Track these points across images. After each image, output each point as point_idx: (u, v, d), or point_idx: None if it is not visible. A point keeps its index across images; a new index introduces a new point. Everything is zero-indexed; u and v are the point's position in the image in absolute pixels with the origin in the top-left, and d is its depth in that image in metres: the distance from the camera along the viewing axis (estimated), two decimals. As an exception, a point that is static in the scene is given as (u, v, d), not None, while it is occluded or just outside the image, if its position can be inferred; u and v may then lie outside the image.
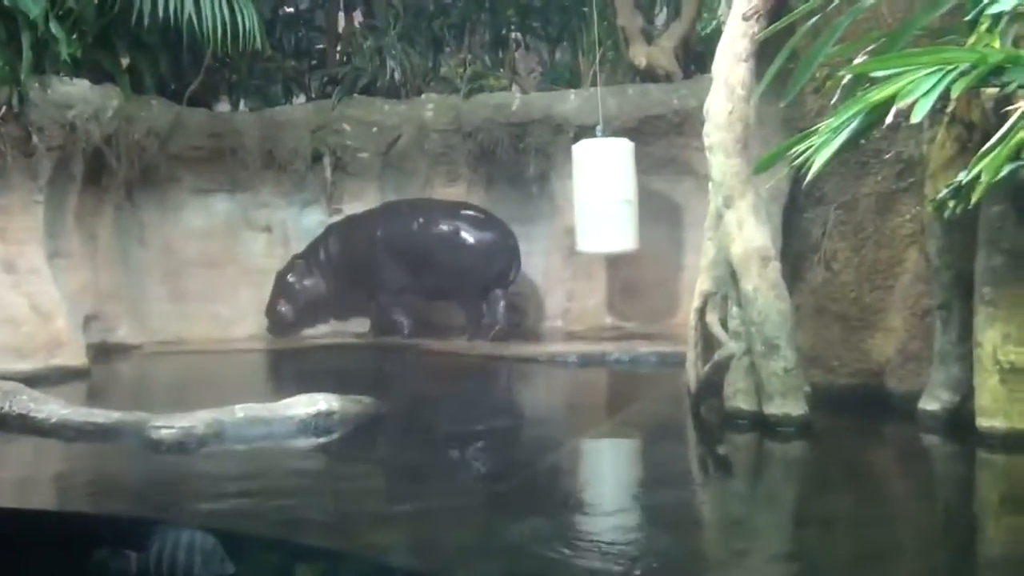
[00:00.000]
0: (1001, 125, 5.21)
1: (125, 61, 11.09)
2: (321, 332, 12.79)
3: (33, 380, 8.72)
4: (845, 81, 5.81)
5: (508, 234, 12.28)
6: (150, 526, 4.93)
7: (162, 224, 12.70)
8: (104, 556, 4.87)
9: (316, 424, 7.21)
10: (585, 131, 11.75)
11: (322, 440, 7.14)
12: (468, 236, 12.24)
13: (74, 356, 10.27)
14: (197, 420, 6.91)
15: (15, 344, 9.78)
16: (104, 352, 11.26)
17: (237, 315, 12.64)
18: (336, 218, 12.95)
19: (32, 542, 5.12)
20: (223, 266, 12.82)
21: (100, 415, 7.34)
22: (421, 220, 12.29)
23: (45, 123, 10.21)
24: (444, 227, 12.22)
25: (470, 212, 12.45)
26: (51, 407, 7.51)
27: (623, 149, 11.45)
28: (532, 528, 4.93)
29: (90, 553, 4.88)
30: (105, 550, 4.87)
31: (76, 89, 10.47)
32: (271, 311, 12.56)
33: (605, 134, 11.53)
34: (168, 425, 6.84)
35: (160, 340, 12.19)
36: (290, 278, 12.49)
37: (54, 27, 9.73)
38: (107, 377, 10.55)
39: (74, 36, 10.18)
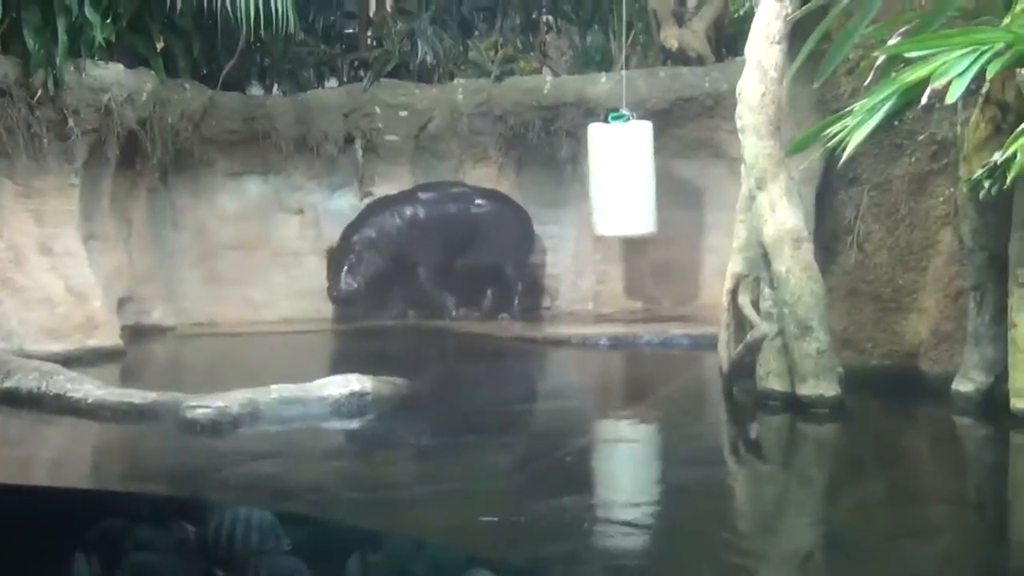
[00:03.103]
0: (1036, 105, 5.19)
1: (159, 45, 11.13)
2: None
3: (68, 361, 8.81)
4: (879, 62, 5.79)
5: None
6: (207, 503, 5.00)
7: (195, 207, 12.74)
8: (162, 530, 4.95)
9: (349, 404, 7.25)
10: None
11: (355, 421, 7.18)
12: (513, 217, 12.51)
13: (109, 337, 10.35)
14: (231, 400, 6.95)
15: (51, 325, 9.85)
16: (138, 334, 11.34)
17: (270, 298, 12.69)
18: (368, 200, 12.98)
19: (93, 518, 5.22)
20: (256, 249, 12.86)
21: (136, 395, 7.41)
22: (465, 200, 12.53)
23: (80, 106, 10.26)
24: (488, 206, 12.47)
25: (500, 194, 12.66)
26: (87, 388, 7.58)
27: (640, 131, 11.42)
28: (562, 507, 4.96)
29: (147, 527, 4.98)
30: (163, 524, 4.96)
31: (110, 73, 10.51)
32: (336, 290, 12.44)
33: (630, 117, 11.46)
34: (203, 405, 6.89)
35: (194, 322, 12.25)
36: (353, 257, 12.35)
37: (89, 11, 9.78)
38: (141, 358, 10.62)
39: (108, 20, 10.21)
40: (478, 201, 12.51)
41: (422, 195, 12.60)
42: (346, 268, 12.31)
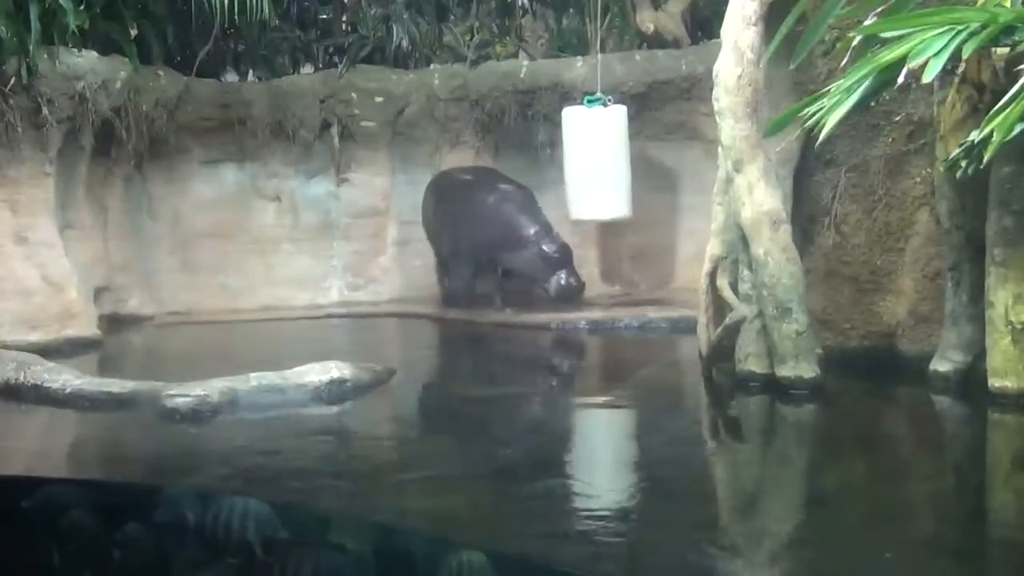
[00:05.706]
0: (1012, 85, 5.19)
1: (133, 32, 11.05)
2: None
3: (46, 351, 8.79)
4: (855, 43, 5.78)
5: None
6: (203, 494, 5.02)
7: (171, 195, 12.67)
8: (162, 518, 5.00)
9: (329, 392, 7.25)
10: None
11: (335, 407, 7.18)
12: None
13: (86, 327, 10.30)
14: (211, 388, 6.95)
15: (27, 315, 9.82)
16: (115, 323, 11.28)
17: (247, 285, 12.64)
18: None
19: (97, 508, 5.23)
20: (232, 236, 12.81)
21: (114, 385, 7.40)
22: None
23: (54, 94, 10.21)
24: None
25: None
26: (65, 377, 7.56)
27: (614, 115, 11.37)
28: (542, 491, 4.97)
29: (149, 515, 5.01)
30: (163, 513, 5.00)
31: (84, 60, 10.45)
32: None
33: (608, 101, 11.37)
34: (182, 394, 6.89)
35: (171, 311, 12.18)
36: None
37: (62, -2, 9.72)
38: (119, 348, 10.58)
39: (82, 7, 10.12)
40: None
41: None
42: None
